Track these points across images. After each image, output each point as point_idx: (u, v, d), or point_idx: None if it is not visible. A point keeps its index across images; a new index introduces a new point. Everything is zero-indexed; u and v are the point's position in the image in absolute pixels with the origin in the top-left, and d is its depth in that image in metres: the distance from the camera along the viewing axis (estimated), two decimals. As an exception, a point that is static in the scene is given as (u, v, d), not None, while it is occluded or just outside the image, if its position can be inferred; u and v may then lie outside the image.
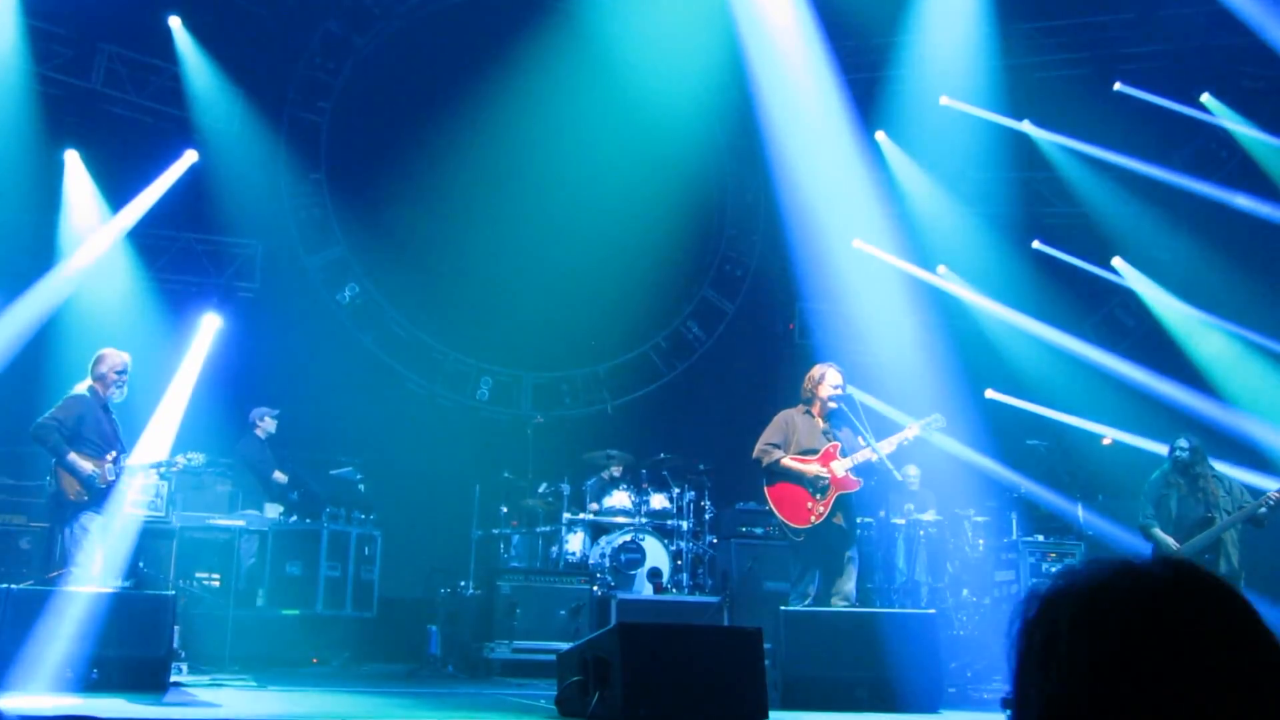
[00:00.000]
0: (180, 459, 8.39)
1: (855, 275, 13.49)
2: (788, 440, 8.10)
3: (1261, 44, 11.50)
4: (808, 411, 8.19)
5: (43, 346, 10.74)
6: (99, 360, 8.23)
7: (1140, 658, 1.17)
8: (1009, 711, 1.28)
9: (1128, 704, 1.16)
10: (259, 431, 11.27)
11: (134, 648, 6.64)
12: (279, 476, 10.99)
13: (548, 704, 6.30)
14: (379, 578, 11.02)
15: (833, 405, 8.08)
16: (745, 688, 5.85)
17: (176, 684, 7.28)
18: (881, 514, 9.23)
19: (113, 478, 7.91)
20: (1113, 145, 12.80)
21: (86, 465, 7.81)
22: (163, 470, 8.45)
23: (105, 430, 8.08)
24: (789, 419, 8.21)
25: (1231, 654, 1.17)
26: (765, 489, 8.12)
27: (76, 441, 7.90)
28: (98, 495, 7.89)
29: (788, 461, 8.00)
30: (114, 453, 7.98)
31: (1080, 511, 11.11)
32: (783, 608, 7.43)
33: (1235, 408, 11.52)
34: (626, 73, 13.26)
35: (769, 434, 8.18)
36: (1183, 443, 8.50)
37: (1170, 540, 8.24)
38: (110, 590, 7.07)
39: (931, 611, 7.59)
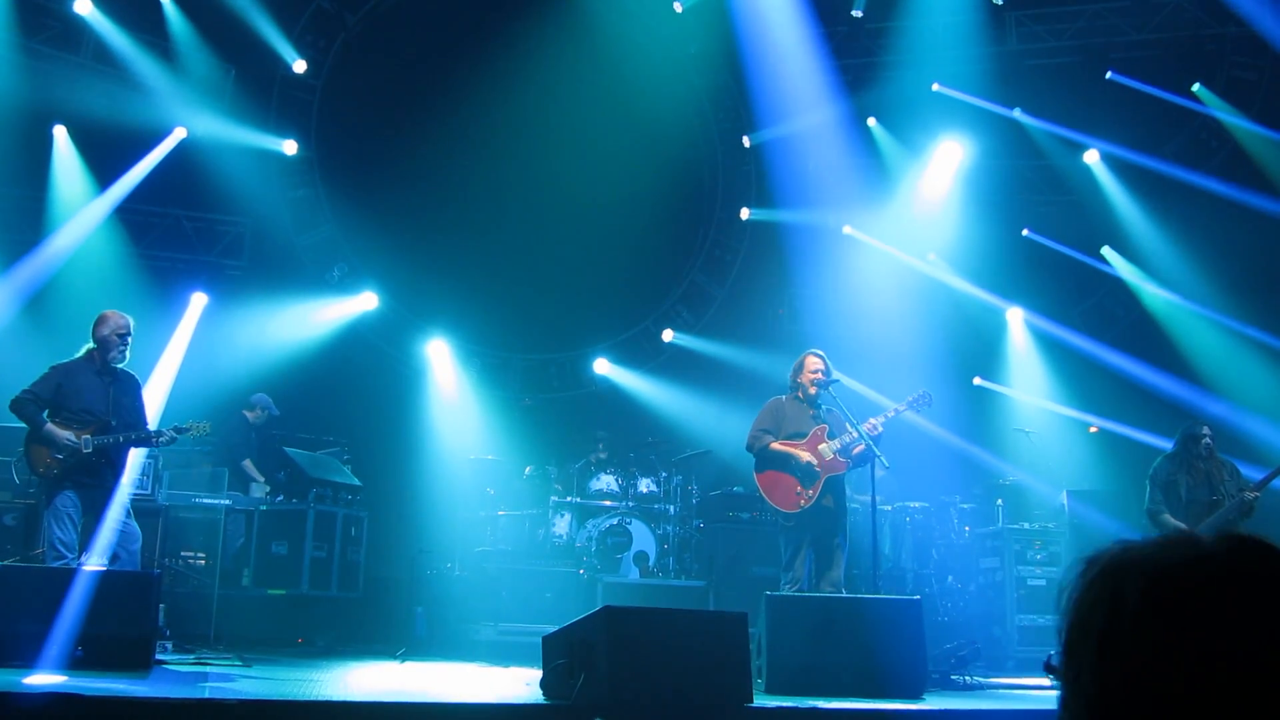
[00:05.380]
0: (193, 425, 8.14)
1: (846, 261, 13.50)
2: (778, 426, 8.22)
3: (1253, 34, 11.52)
4: (795, 397, 8.30)
5: (29, 322, 10.68)
6: (100, 321, 7.94)
7: (1219, 645, 1.12)
8: (1054, 678, 1.23)
9: (1197, 691, 1.12)
10: (249, 415, 11.23)
11: (119, 626, 6.60)
12: (248, 466, 10.95)
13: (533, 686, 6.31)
14: (365, 558, 11.02)
15: (813, 390, 8.19)
16: (730, 672, 5.85)
17: (161, 663, 7.28)
18: (864, 498, 9.22)
19: (87, 450, 7.64)
20: (1103, 134, 12.81)
21: (61, 435, 7.63)
22: (175, 436, 8.10)
23: (90, 400, 7.80)
24: (778, 405, 8.34)
25: None
26: (756, 476, 8.25)
27: (56, 411, 7.73)
28: (75, 470, 7.64)
29: (776, 446, 8.13)
30: (92, 428, 7.78)
31: (1065, 499, 11.15)
32: (768, 593, 7.44)
33: (1221, 397, 11.56)
34: (619, 57, 13.21)
35: (759, 421, 8.33)
36: (1205, 429, 8.52)
37: (1181, 525, 8.27)
38: (95, 568, 7.03)
39: (916, 598, 7.60)
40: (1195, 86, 12.48)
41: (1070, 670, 1.21)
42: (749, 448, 8.31)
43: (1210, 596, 1.15)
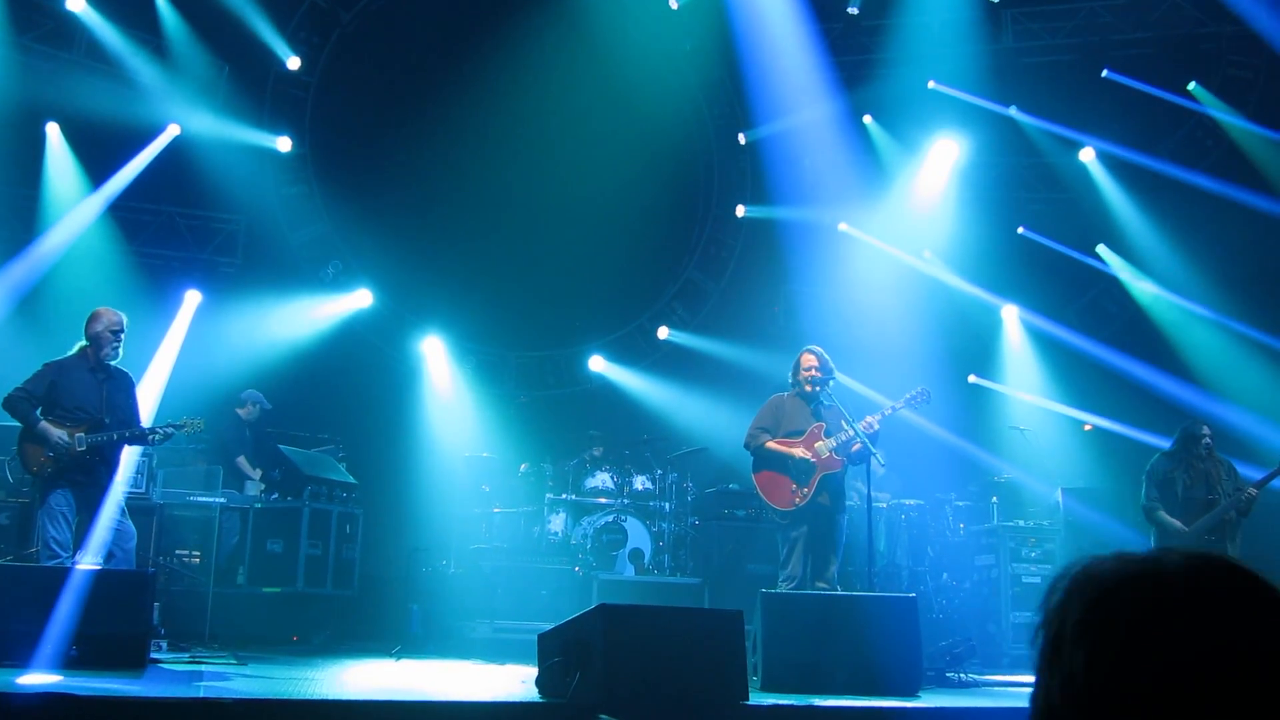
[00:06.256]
0: (187, 422, 8.11)
1: (841, 258, 13.50)
2: (777, 424, 8.25)
3: (1248, 33, 11.53)
4: (795, 395, 8.32)
5: (23, 320, 10.65)
6: (94, 318, 7.92)
7: (1137, 663, 1.13)
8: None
9: (1116, 705, 1.13)
10: (242, 412, 11.21)
11: (113, 625, 6.59)
12: (242, 462, 10.93)
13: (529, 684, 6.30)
14: (360, 556, 11.00)
15: (809, 388, 8.20)
16: (726, 670, 5.85)
17: (156, 661, 7.26)
18: (857, 495, 9.21)
19: (81, 448, 7.63)
20: (1099, 132, 12.82)
21: (54, 433, 7.64)
22: (169, 433, 8.07)
23: (83, 397, 7.78)
24: (779, 402, 8.37)
25: (1251, 670, 1.11)
26: (753, 475, 8.29)
27: (50, 409, 7.73)
28: (69, 468, 7.64)
29: (772, 445, 8.16)
30: (85, 425, 7.75)
31: (1060, 497, 11.16)
32: (764, 590, 7.44)
33: (1215, 395, 11.58)
34: (614, 54, 13.18)
35: (758, 418, 8.37)
36: (1205, 428, 8.53)
37: (1177, 522, 8.28)
38: (90, 567, 7.01)
39: (912, 596, 7.61)
40: (1191, 85, 12.49)
41: (1036, 684, 1.23)
42: (746, 445, 8.35)
43: (1152, 612, 1.15)
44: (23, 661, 6.14)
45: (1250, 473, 8.53)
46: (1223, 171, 12.20)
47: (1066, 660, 1.17)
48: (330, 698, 5.75)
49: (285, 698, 5.67)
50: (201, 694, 5.65)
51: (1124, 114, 12.65)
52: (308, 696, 5.73)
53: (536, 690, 6.04)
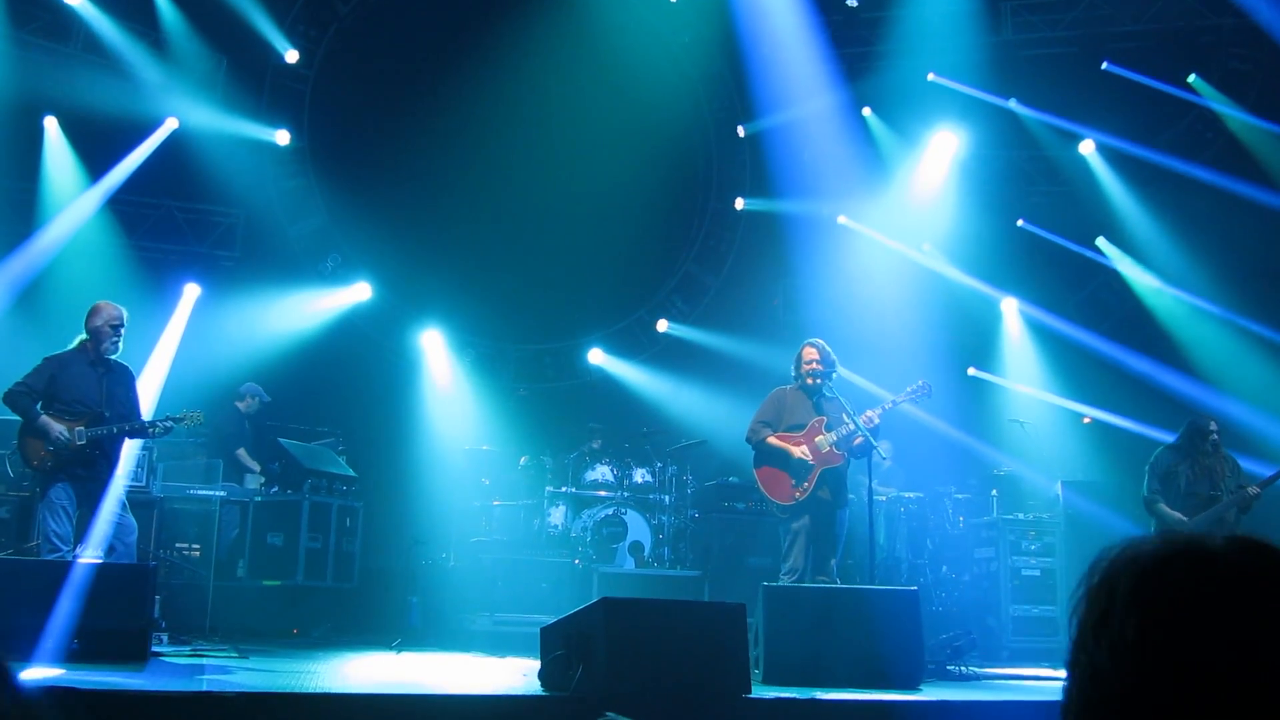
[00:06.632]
0: (187, 415, 8.11)
1: (840, 251, 13.49)
2: (779, 418, 8.26)
3: (1249, 25, 11.51)
4: (798, 388, 8.33)
5: (21, 314, 10.63)
6: (94, 312, 7.92)
7: (1188, 641, 1.13)
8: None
9: (1167, 686, 1.13)
10: (241, 406, 11.21)
11: (115, 619, 6.59)
12: (242, 455, 10.92)
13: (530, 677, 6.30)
14: (360, 549, 11.01)
15: (810, 381, 8.21)
16: (728, 663, 5.85)
17: (157, 655, 7.26)
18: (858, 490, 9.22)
19: (81, 442, 7.64)
20: (1099, 124, 12.81)
21: (55, 426, 7.64)
22: (169, 426, 8.06)
23: (83, 391, 7.80)
24: (781, 396, 8.38)
25: None
26: (755, 471, 8.30)
27: (50, 403, 7.74)
28: (69, 462, 7.65)
29: (773, 440, 8.18)
30: (85, 419, 7.75)
31: (1060, 490, 11.17)
32: (765, 584, 7.44)
33: (1215, 388, 11.58)
34: (613, 47, 13.16)
35: (760, 413, 8.40)
36: (1213, 424, 8.53)
37: (1177, 515, 8.28)
38: (91, 561, 7.00)
39: (914, 589, 7.61)
40: (1191, 77, 12.47)
41: (1073, 665, 1.23)
42: (748, 440, 8.36)
43: (1200, 595, 1.16)
44: (24, 655, 6.13)
45: (1252, 467, 8.54)
46: (1223, 164, 12.18)
47: (1117, 629, 1.17)
48: (335, 691, 5.75)
49: (289, 691, 5.67)
50: (205, 687, 5.65)
51: (1124, 106, 12.62)
52: (312, 690, 5.73)
53: (539, 683, 6.04)
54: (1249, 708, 1.10)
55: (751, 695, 5.88)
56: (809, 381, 8.25)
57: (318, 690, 5.73)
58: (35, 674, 5.71)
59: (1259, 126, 11.99)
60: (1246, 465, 8.68)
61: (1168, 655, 1.14)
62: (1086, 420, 12.68)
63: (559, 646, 5.86)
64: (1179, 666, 1.13)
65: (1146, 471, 8.60)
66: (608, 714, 1.97)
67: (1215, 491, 8.29)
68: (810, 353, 8.30)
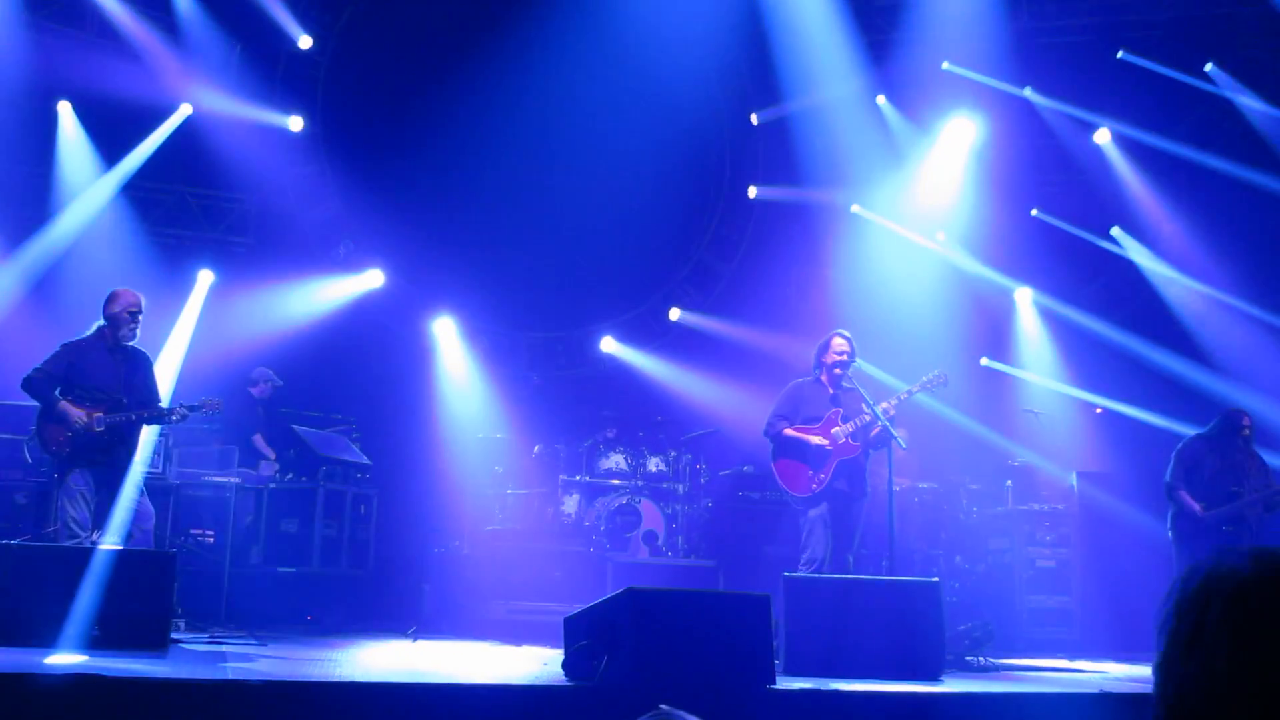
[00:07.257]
0: (205, 402, 8.12)
1: (853, 240, 13.45)
2: (795, 410, 8.25)
3: (1267, 14, 11.44)
4: (816, 379, 8.30)
5: (37, 301, 10.63)
6: (112, 299, 7.93)
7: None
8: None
9: (1256, 713, 1.12)
10: (254, 391, 11.20)
11: (135, 605, 6.60)
12: (258, 440, 10.92)
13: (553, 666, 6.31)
14: (375, 536, 11.01)
15: (838, 372, 8.20)
16: (753, 654, 5.86)
17: (176, 642, 7.28)
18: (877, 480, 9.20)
19: (99, 428, 7.65)
20: (1115, 114, 12.74)
21: (74, 412, 7.65)
22: (187, 413, 8.06)
23: (102, 377, 7.80)
24: (797, 388, 8.36)
25: None
26: (772, 464, 8.31)
27: (68, 389, 7.74)
28: (87, 448, 7.67)
29: (789, 432, 8.20)
30: (104, 406, 7.73)
31: (1075, 480, 11.15)
32: (785, 574, 7.44)
33: (1230, 379, 11.54)
34: (626, 34, 13.08)
35: (777, 406, 8.38)
36: (1246, 418, 8.51)
37: (1196, 505, 8.26)
38: (111, 548, 7.01)
39: (935, 580, 7.59)
40: (1208, 66, 12.39)
41: (1161, 673, 1.23)
42: (766, 433, 8.35)
43: None
44: (47, 642, 6.15)
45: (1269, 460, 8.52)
46: (1239, 154, 12.11)
47: (1209, 651, 1.17)
48: (358, 680, 5.76)
49: (314, 680, 5.67)
50: (229, 676, 5.65)
51: (1140, 95, 12.55)
52: (339, 679, 5.73)
53: (562, 673, 6.04)
54: None
55: (775, 686, 5.88)
56: (836, 371, 8.23)
57: (347, 679, 5.73)
58: (59, 660, 5.72)
59: (1277, 116, 11.92)
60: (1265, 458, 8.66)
61: (1259, 681, 1.13)
62: (1099, 410, 12.65)
63: (584, 636, 5.86)
64: (1270, 692, 1.12)
65: (1173, 457, 8.58)
66: (661, 706, 1.95)
67: (1238, 488, 8.27)
68: (841, 344, 8.27)
